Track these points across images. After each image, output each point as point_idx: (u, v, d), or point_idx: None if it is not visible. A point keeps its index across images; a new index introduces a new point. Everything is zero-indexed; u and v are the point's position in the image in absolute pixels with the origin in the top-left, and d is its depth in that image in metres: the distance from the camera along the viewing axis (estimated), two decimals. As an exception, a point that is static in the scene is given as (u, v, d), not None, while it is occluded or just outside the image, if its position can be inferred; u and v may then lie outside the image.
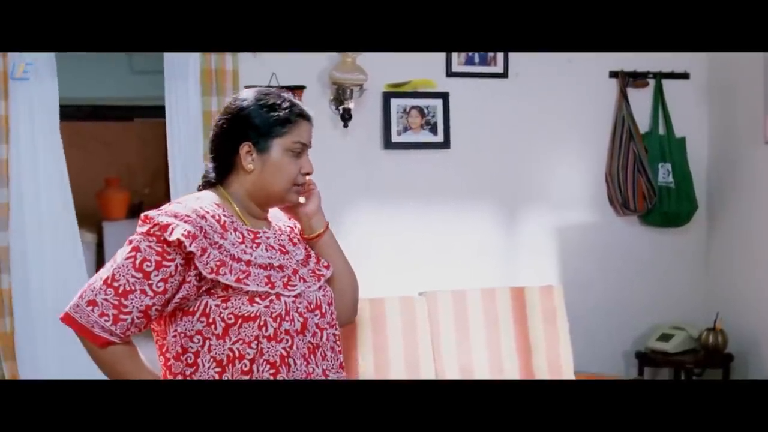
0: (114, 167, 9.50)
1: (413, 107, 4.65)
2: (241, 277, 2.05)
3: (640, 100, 4.91)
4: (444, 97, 4.68)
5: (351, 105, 4.42)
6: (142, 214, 2.07)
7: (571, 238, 4.91)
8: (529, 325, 4.54)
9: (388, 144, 4.62)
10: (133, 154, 9.72)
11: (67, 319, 2.04)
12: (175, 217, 2.03)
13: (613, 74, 4.89)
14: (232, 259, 2.06)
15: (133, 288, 2.00)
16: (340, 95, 4.42)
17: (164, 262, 2.00)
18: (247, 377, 2.04)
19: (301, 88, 4.41)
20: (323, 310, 2.18)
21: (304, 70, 4.48)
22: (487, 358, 4.44)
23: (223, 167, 2.20)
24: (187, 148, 4.34)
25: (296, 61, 4.44)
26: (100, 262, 8.74)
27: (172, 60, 4.30)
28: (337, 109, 4.45)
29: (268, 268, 2.11)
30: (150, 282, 2.00)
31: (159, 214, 2.05)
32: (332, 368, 2.19)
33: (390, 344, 4.33)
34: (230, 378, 2.04)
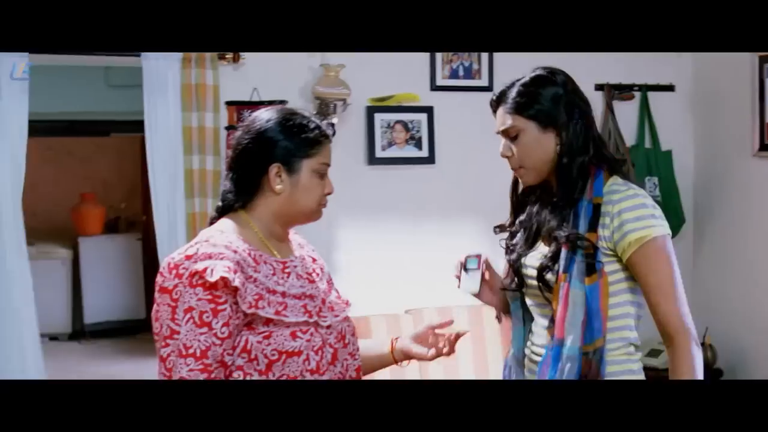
0: (90, 182, 9.40)
1: (397, 122, 4.57)
2: (279, 309, 2.03)
3: (626, 113, 4.86)
4: (428, 111, 4.61)
5: (334, 120, 4.33)
6: (167, 263, 1.99)
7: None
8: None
9: (373, 159, 4.54)
10: (109, 169, 9.64)
11: None
12: (210, 258, 1.97)
13: (599, 87, 4.83)
14: (268, 291, 2.03)
15: (206, 344, 1.93)
16: (323, 110, 4.33)
17: (219, 308, 1.95)
18: None
19: (283, 102, 4.33)
20: (346, 341, 2.17)
21: (287, 85, 4.40)
22: (474, 377, 4.36)
23: (246, 190, 2.14)
24: (166, 163, 4.24)
25: (278, 75, 4.37)
26: (76, 278, 8.61)
27: (151, 74, 4.20)
28: (320, 124, 4.38)
29: (303, 297, 2.10)
30: (214, 331, 1.94)
31: (191, 262, 1.97)
32: None
33: (376, 364, 4.24)
34: None
